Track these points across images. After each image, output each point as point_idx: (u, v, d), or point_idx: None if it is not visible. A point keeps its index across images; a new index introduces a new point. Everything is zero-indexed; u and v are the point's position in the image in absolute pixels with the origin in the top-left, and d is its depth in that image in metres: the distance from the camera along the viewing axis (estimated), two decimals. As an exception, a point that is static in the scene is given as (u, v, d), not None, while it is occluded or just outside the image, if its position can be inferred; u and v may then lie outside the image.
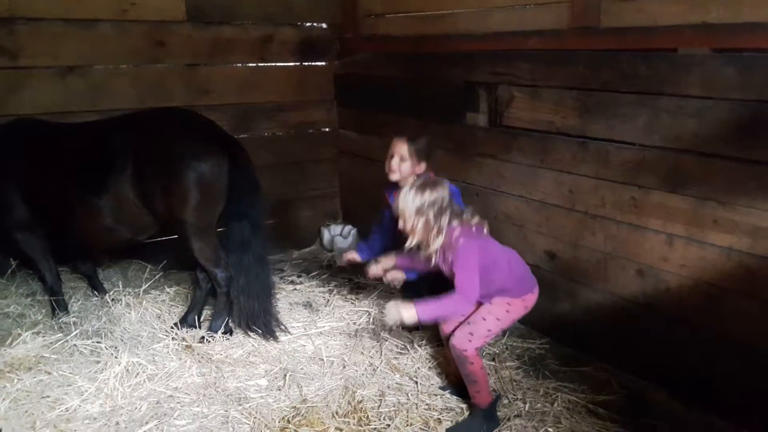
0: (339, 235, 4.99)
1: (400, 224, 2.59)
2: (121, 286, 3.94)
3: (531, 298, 2.67)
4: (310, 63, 4.86)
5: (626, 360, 3.06)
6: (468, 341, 2.59)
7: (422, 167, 3.22)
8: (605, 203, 3.04)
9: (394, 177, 3.24)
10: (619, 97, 2.89)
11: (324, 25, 4.86)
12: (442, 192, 2.56)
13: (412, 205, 2.53)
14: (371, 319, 3.61)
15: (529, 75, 3.32)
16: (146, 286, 3.82)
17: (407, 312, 2.48)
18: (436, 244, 2.55)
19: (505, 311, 2.61)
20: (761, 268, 2.48)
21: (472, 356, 2.61)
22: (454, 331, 2.68)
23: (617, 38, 2.90)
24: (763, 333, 2.50)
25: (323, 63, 4.92)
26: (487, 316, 2.60)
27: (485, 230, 2.62)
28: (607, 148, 2.98)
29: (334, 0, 4.81)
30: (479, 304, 2.65)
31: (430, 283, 2.93)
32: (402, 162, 3.20)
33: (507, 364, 3.16)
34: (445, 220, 2.53)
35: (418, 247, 2.63)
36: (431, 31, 4.05)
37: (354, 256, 3.46)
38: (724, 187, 2.55)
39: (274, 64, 4.70)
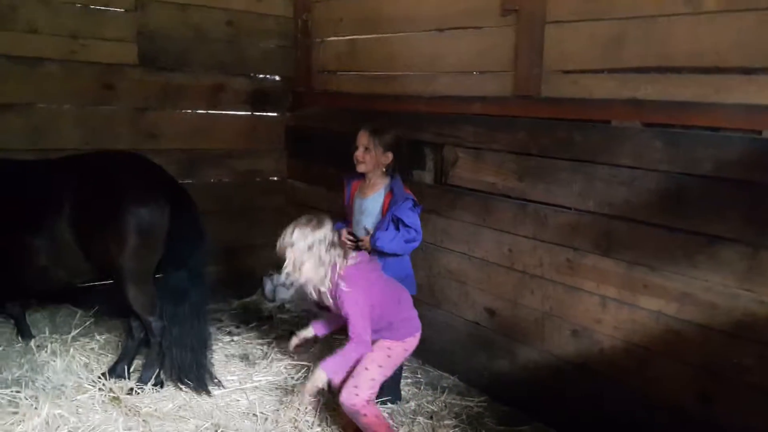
0: (282, 285, 4.92)
1: (286, 264, 2.60)
2: (47, 331, 3.75)
3: (412, 342, 2.72)
4: (261, 113, 4.90)
5: (562, 420, 3.09)
6: (355, 395, 2.62)
7: (389, 157, 3.19)
8: (542, 263, 3.13)
9: (361, 168, 3.23)
10: (557, 163, 3.02)
11: (277, 78, 4.93)
12: (328, 228, 2.62)
13: (303, 242, 2.55)
14: (310, 375, 3.53)
15: (473, 138, 3.44)
16: (75, 332, 3.66)
17: (319, 377, 2.57)
18: (327, 282, 2.59)
19: (387, 356, 2.65)
20: (687, 333, 2.58)
21: (362, 408, 2.63)
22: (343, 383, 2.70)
23: (555, 108, 3.06)
24: (689, 396, 2.59)
25: (275, 114, 4.96)
26: (369, 366, 2.63)
27: (375, 264, 2.70)
28: (545, 211, 3.09)
29: (288, 54, 4.90)
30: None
31: None
32: (366, 152, 3.19)
33: (445, 422, 3.14)
34: (333, 255, 2.59)
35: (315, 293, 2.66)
36: (382, 90, 4.18)
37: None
38: (653, 253, 2.67)
39: (224, 112, 4.71)
